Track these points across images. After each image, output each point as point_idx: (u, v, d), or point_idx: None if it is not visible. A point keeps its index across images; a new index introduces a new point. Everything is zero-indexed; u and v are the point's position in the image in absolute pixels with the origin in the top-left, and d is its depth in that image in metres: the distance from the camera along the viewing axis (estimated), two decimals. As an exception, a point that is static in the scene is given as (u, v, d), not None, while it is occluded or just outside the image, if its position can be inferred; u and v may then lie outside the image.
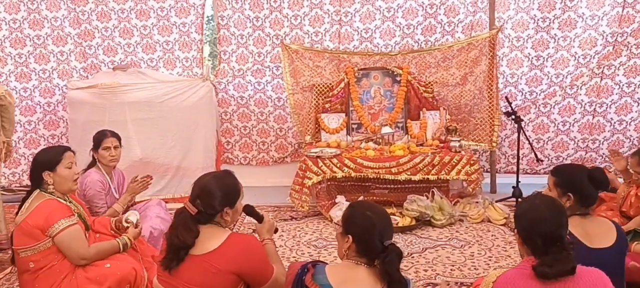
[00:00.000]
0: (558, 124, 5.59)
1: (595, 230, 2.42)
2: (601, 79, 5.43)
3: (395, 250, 2.01)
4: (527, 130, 5.45)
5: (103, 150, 3.62)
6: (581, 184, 2.53)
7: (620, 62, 5.35)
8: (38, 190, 2.83)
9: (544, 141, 5.64)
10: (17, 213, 2.83)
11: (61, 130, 6.01)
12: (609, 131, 5.52)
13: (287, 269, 2.35)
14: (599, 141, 5.57)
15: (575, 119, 5.56)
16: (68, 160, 2.88)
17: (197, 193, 2.28)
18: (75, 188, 3.01)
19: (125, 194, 3.64)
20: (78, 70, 5.90)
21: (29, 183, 5.70)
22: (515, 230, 2.09)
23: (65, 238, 2.73)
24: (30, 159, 5.79)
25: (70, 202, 2.91)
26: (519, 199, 4.91)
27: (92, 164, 3.63)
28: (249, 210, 2.59)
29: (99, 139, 3.64)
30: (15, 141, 5.82)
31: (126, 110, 5.11)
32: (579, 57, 5.40)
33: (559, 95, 5.51)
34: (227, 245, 2.22)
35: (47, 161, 2.83)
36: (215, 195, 2.26)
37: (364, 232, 2.04)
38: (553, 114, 5.57)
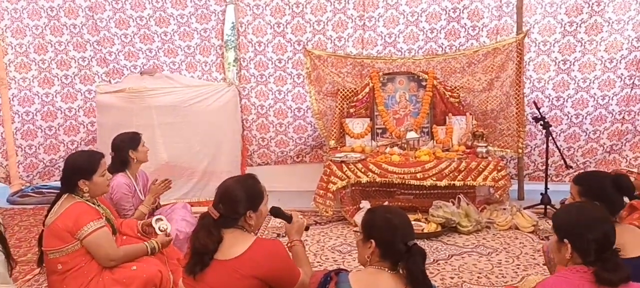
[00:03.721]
0: (589, 133, 5.51)
1: (624, 239, 2.35)
2: (632, 89, 5.34)
3: (418, 250, 2.00)
4: (559, 141, 5.37)
5: (142, 147, 3.68)
6: (607, 192, 2.48)
7: None
8: (67, 193, 2.86)
9: (574, 149, 5.56)
10: (46, 215, 2.87)
11: (81, 135, 6.09)
12: (631, 133, 5.47)
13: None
14: (622, 143, 5.51)
15: (606, 127, 5.48)
16: (103, 168, 2.92)
17: (220, 197, 2.28)
18: (107, 191, 3.06)
19: (149, 196, 3.66)
20: (100, 75, 5.98)
21: (40, 184, 5.85)
22: (565, 240, 2.01)
23: (93, 241, 2.77)
24: (49, 164, 5.95)
25: (98, 205, 2.94)
26: (548, 206, 4.81)
27: (123, 168, 3.63)
28: (276, 212, 2.57)
29: (136, 137, 3.68)
30: (35, 146, 5.93)
31: (153, 114, 5.16)
32: (605, 61, 5.32)
33: (591, 106, 5.43)
34: (253, 251, 2.20)
35: (84, 170, 2.85)
36: (237, 199, 2.25)
37: (385, 235, 2.04)
38: (585, 124, 5.49)
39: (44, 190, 5.85)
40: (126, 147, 3.64)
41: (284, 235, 4.27)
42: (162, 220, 3.21)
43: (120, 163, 3.63)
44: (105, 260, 2.81)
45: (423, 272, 1.98)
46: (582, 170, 5.46)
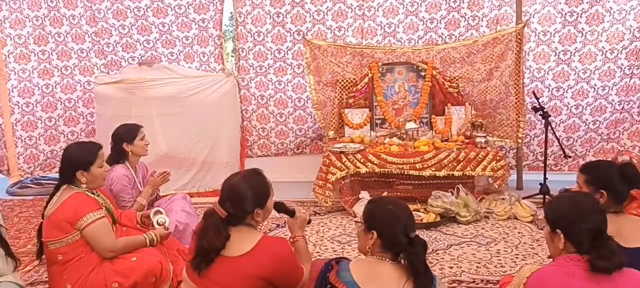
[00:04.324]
0: (589, 123, 5.52)
1: (628, 229, 2.38)
2: (630, 78, 5.34)
3: (420, 242, 2.01)
4: (558, 131, 5.38)
5: (140, 141, 3.66)
6: (613, 181, 2.49)
7: None
8: (66, 184, 2.87)
9: (573, 139, 5.57)
10: (45, 206, 2.87)
11: (81, 126, 6.10)
12: (628, 122, 5.48)
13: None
14: (619, 132, 5.52)
15: (605, 117, 5.49)
16: (101, 159, 2.92)
17: (227, 195, 2.25)
18: (104, 183, 3.06)
19: (147, 188, 3.66)
20: (99, 66, 5.97)
21: (41, 175, 5.85)
22: (558, 230, 2.03)
23: (93, 231, 2.77)
24: (49, 155, 5.95)
25: (98, 195, 2.95)
26: (547, 196, 4.82)
27: (122, 159, 3.63)
28: (279, 207, 2.55)
29: (133, 131, 3.67)
30: (35, 137, 5.93)
31: (152, 105, 5.15)
32: (606, 51, 5.31)
33: (591, 96, 5.43)
34: (258, 250, 2.19)
35: (81, 161, 2.85)
36: (246, 198, 2.23)
37: (387, 226, 2.04)
38: (585, 115, 5.49)
39: (43, 181, 5.85)
40: (121, 139, 3.64)
41: (283, 225, 4.30)
42: (160, 213, 3.20)
43: (117, 154, 3.63)
44: (104, 251, 2.82)
45: (424, 262, 1.99)
46: (580, 160, 5.47)
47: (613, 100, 5.42)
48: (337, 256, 3.70)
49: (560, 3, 5.29)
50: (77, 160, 2.85)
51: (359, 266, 2.08)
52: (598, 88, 5.41)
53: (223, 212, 2.21)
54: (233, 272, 2.16)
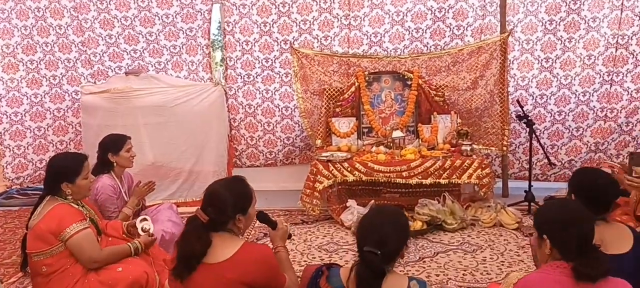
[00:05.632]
0: (572, 130, 5.58)
1: (610, 236, 2.36)
2: (611, 85, 5.42)
3: (364, 256, 2.00)
4: (543, 138, 5.43)
5: (126, 152, 3.66)
6: (591, 191, 2.46)
7: (627, 69, 5.36)
8: (50, 195, 2.85)
9: (557, 147, 5.63)
10: (29, 218, 2.86)
11: (70, 136, 6.07)
12: (617, 132, 5.53)
13: (301, 273, 2.36)
14: (608, 143, 5.57)
15: (588, 124, 5.54)
16: (86, 170, 2.91)
17: (209, 200, 2.27)
18: (89, 194, 3.05)
19: (133, 198, 3.66)
20: (85, 76, 5.95)
21: (30, 186, 5.83)
22: (544, 236, 2.03)
23: (77, 242, 2.77)
24: (38, 165, 5.92)
25: (82, 206, 2.94)
26: (532, 204, 4.87)
27: (108, 169, 3.63)
28: (262, 217, 2.57)
29: (120, 142, 3.67)
30: (23, 147, 5.89)
31: (138, 114, 5.14)
32: (584, 57, 5.39)
33: (573, 102, 5.51)
34: (240, 255, 2.20)
35: (66, 173, 2.84)
36: (226, 203, 2.24)
37: (357, 234, 2.11)
38: (568, 121, 5.55)
39: (29, 192, 5.81)
40: (106, 149, 3.64)
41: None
42: (146, 220, 3.21)
43: (102, 164, 3.62)
44: (88, 262, 2.81)
45: (366, 277, 1.99)
46: (566, 169, 5.54)
47: (594, 106, 5.48)
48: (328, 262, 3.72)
49: (540, 12, 5.37)
50: (62, 172, 2.84)
51: (347, 272, 2.11)
52: (579, 94, 5.47)
53: (205, 217, 2.22)
54: (215, 277, 2.16)
